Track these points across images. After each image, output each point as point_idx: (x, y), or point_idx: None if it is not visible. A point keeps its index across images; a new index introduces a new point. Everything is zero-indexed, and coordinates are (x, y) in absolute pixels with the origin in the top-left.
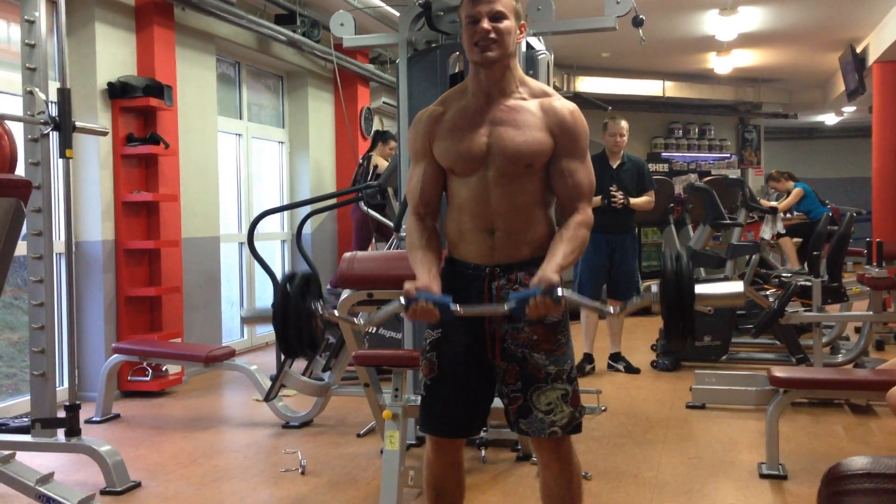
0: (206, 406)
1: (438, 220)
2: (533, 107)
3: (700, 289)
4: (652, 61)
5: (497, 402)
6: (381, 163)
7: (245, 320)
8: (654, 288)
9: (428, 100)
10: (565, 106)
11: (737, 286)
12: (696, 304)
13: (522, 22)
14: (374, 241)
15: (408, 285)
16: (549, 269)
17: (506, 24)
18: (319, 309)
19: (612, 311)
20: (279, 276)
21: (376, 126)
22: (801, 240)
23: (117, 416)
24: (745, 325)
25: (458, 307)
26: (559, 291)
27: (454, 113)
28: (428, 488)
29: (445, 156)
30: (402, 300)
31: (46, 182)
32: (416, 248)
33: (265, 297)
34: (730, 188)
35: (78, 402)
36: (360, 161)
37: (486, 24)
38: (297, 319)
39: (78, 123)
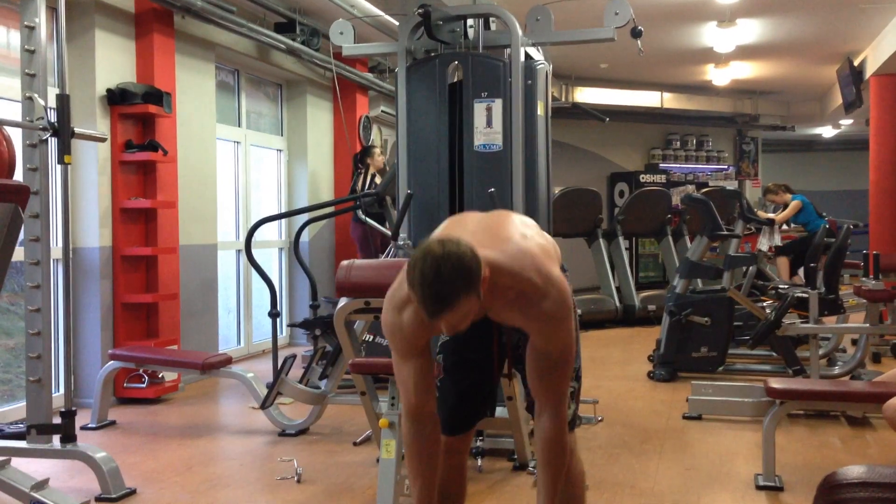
0: (203, 413)
1: (437, 418)
2: (516, 313)
3: None
4: (650, 72)
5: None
6: (378, 177)
7: None
8: None
9: (427, 110)
10: (543, 307)
11: None
12: None
13: (484, 275)
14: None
15: None
16: None
17: (466, 316)
18: None
19: None
20: (276, 283)
21: (374, 135)
22: (792, 256)
23: (113, 423)
24: (741, 337)
25: None
26: None
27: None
28: None
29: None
30: None
31: (44, 188)
32: (415, 476)
33: (263, 304)
34: (727, 200)
35: (74, 409)
36: (355, 174)
37: (448, 328)
38: None
39: (77, 129)
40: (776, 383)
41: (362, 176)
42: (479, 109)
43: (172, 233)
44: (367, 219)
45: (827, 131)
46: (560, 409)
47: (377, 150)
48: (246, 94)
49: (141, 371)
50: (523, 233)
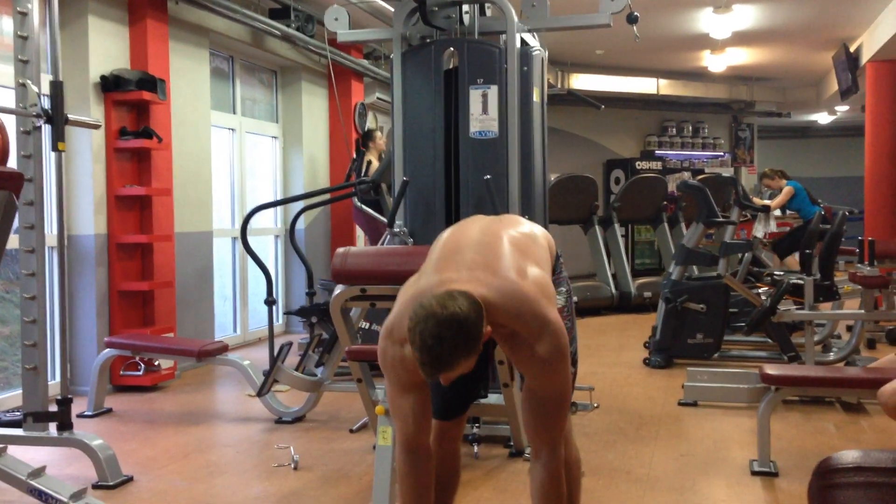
0: (199, 401)
1: (430, 450)
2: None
3: None
4: (646, 59)
5: (491, 399)
6: (375, 162)
7: None
8: None
9: (422, 97)
10: (537, 351)
11: None
12: None
13: (486, 331)
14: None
15: None
16: None
17: (466, 369)
18: None
19: None
20: (272, 271)
21: (370, 122)
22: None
23: (109, 411)
24: (737, 323)
25: None
26: None
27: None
28: None
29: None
30: None
31: (38, 175)
32: None
33: (258, 292)
34: (723, 186)
35: (70, 397)
36: (353, 158)
37: (445, 382)
38: None
39: (70, 116)
40: (771, 369)
41: (357, 162)
42: (475, 96)
43: (168, 220)
44: (364, 206)
45: (823, 118)
46: (556, 452)
47: (378, 133)
48: (241, 80)
49: (137, 359)
50: (521, 266)
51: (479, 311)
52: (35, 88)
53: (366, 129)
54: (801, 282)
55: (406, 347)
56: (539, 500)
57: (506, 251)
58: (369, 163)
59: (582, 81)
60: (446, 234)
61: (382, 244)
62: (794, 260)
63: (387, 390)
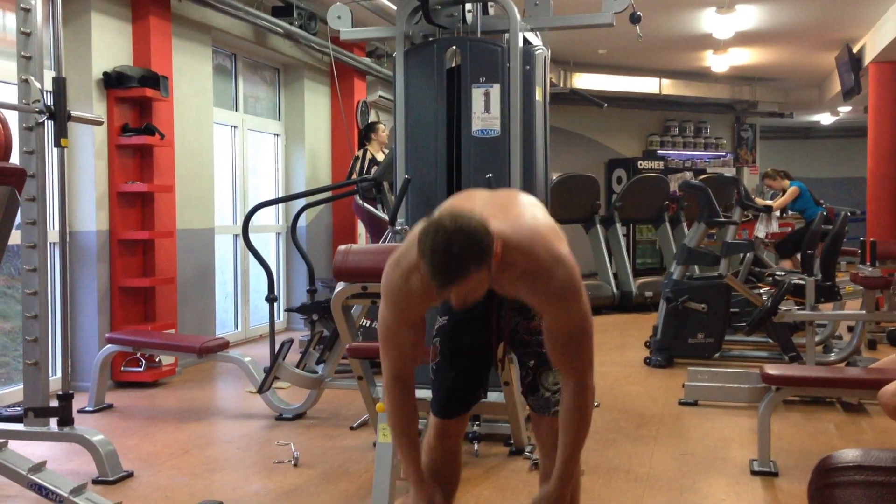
0: (200, 397)
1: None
2: (522, 287)
3: None
4: (649, 58)
5: (491, 397)
6: (380, 156)
7: None
8: None
9: (425, 95)
10: (551, 288)
11: None
12: None
13: (496, 250)
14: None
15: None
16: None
17: (476, 289)
18: None
19: None
20: (274, 268)
21: (372, 120)
22: (798, 255)
23: (110, 407)
24: (738, 323)
25: None
26: None
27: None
28: (426, 473)
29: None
30: None
31: (41, 171)
32: (401, 435)
33: (260, 289)
34: (725, 186)
35: (71, 392)
36: (356, 155)
37: (457, 301)
38: None
39: (73, 113)
40: (772, 369)
41: (360, 161)
42: (477, 95)
43: (169, 217)
44: (366, 204)
45: (825, 118)
46: (583, 380)
47: (381, 126)
48: (243, 78)
49: (138, 355)
50: (533, 213)
51: (489, 231)
52: (38, 84)
53: (368, 122)
54: (802, 282)
55: (412, 280)
56: (564, 426)
57: (519, 202)
58: (371, 160)
59: (584, 81)
60: (456, 194)
61: (384, 242)
62: (792, 262)
63: (382, 319)
